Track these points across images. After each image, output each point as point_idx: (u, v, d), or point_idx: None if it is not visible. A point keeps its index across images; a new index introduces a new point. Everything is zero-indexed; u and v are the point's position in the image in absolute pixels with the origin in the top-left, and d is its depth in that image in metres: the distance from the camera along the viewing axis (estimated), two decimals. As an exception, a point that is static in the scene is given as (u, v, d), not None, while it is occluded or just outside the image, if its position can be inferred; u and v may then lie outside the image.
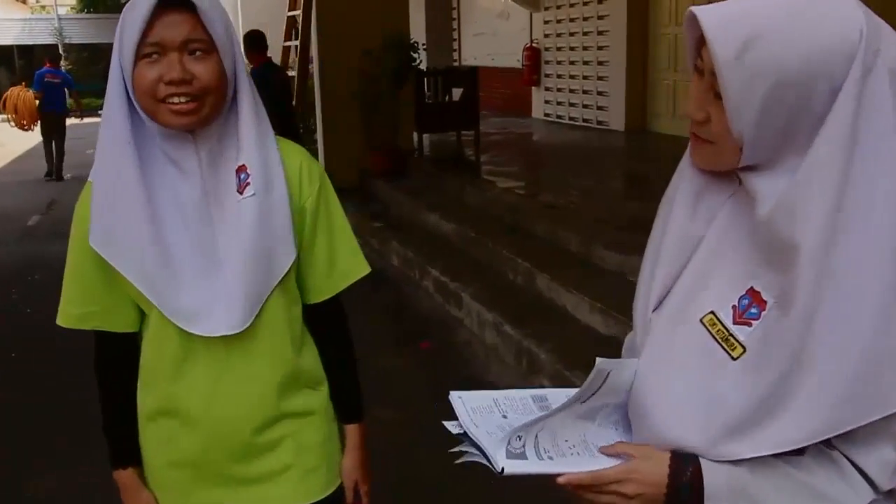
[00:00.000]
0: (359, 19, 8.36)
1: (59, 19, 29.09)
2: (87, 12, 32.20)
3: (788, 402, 1.01)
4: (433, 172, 8.00)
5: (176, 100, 1.36)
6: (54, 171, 12.31)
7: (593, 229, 5.17)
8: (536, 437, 1.14)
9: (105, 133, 1.42)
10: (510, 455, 1.12)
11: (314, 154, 9.33)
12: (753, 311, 1.05)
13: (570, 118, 11.00)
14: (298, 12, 9.51)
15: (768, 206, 1.03)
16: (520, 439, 1.13)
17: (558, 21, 11.11)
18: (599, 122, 10.30)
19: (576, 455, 1.14)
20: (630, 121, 9.70)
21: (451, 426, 1.24)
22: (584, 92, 10.62)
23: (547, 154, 9.17)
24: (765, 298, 1.04)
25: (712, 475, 1.06)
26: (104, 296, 1.50)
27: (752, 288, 1.06)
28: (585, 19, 10.42)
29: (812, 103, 0.99)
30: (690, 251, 1.15)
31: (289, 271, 1.52)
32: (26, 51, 29.68)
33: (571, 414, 1.16)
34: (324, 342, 1.67)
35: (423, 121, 8.88)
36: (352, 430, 1.71)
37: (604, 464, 1.12)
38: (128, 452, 1.61)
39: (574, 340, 4.23)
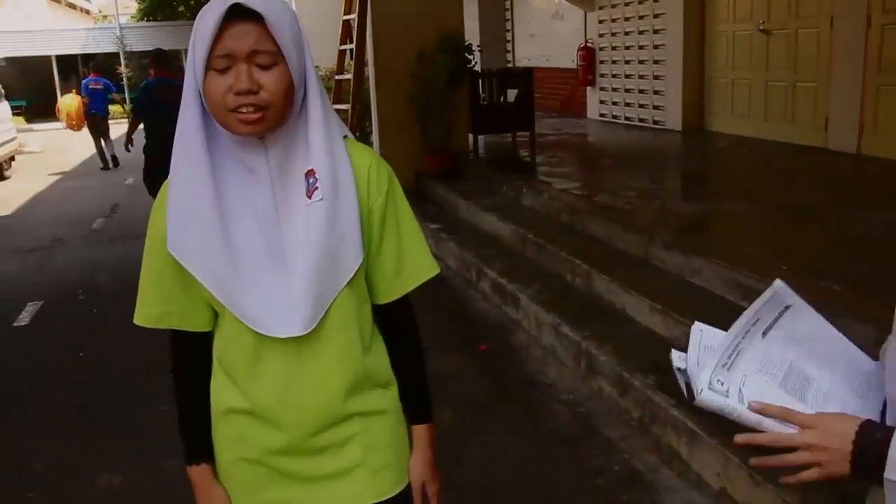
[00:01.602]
0: (413, 22, 8.40)
1: (121, 28, 29.74)
2: (146, 20, 32.93)
3: None
4: (489, 174, 7.99)
5: (245, 109, 1.39)
6: (108, 162, 14.60)
7: (652, 230, 5.12)
8: (743, 383, 1.13)
9: (180, 138, 1.46)
10: (712, 388, 1.12)
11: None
12: None
13: (626, 118, 10.90)
14: (354, 16, 9.56)
15: None
16: (722, 384, 1.13)
17: (613, 20, 11.02)
18: (656, 122, 10.19)
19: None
20: (687, 120, 9.58)
21: (676, 357, 1.24)
22: (640, 91, 10.52)
23: (603, 155, 9.09)
24: None
25: None
26: (180, 296, 1.54)
27: None
28: (641, 18, 10.32)
29: None
30: None
31: (359, 274, 1.54)
32: (90, 59, 30.39)
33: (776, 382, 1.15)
34: (393, 342, 1.69)
35: (478, 122, 8.88)
36: (420, 430, 1.72)
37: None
38: (201, 449, 1.65)
39: (634, 342, 4.19)
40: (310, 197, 1.46)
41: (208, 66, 1.39)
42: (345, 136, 1.57)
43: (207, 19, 1.37)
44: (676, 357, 1.23)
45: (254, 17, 1.38)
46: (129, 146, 8.50)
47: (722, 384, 1.12)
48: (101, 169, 14.47)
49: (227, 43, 1.37)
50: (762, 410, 1.11)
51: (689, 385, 1.17)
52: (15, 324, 6.19)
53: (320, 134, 1.47)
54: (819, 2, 7.53)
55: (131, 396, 4.44)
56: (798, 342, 1.19)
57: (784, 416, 1.11)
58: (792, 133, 8.01)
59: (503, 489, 3.39)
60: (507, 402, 4.23)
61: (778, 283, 1.22)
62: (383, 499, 1.65)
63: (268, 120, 1.41)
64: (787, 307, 1.22)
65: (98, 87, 14.53)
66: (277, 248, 1.47)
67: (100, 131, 14.58)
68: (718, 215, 5.58)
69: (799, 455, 1.08)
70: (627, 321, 4.47)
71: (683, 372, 1.20)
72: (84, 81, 14.89)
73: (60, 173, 14.63)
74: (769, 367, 1.16)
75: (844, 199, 5.55)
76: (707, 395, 1.11)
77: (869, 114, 7.00)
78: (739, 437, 1.11)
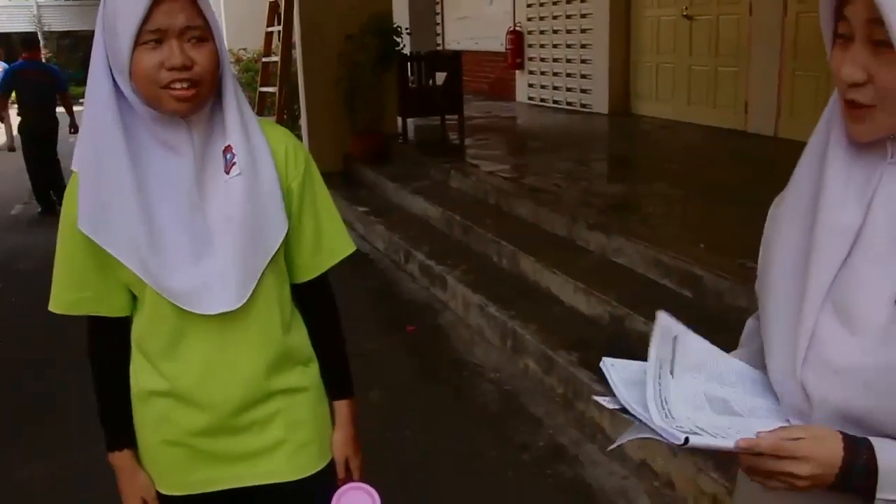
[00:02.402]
0: (342, 4, 8.33)
1: (38, 6, 28.77)
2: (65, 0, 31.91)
3: None
4: (417, 157, 8.00)
5: (178, 85, 1.38)
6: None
7: (576, 211, 5.21)
8: (695, 423, 1.10)
9: (90, 121, 1.44)
10: (683, 431, 1.09)
11: (298, 139, 9.36)
12: None
13: (554, 101, 11.01)
14: (281, -3, 9.48)
15: None
16: (682, 428, 1.09)
17: (541, 4, 11.10)
18: (583, 105, 10.31)
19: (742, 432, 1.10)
20: (613, 104, 9.72)
21: (604, 401, 1.19)
22: (568, 75, 10.63)
23: (531, 137, 9.18)
24: None
25: (888, 454, 1.04)
26: (96, 281, 1.53)
27: None
28: (568, 2, 10.41)
29: None
30: (850, 240, 1.09)
31: (279, 252, 1.56)
32: (3, 38, 29.36)
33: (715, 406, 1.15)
34: (312, 320, 1.72)
35: (406, 105, 8.87)
36: (342, 406, 1.75)
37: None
38: (123, 435, 1.65)
39: (558, 321, 4.28)
40: (228, 172, 1.46)
41: (136, 42, 1.37)
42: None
43: None
44: (606, 402, 1.19)
45: None
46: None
47: (681, 428, 1.10)
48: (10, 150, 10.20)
49: (158, 19, 1.36)
50: (752, 447, 1.07)
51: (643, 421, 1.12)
52: (-70, 312, 6.00)
53: (235, 111, 1.48)
54: (739, -12, 7.72)
55: (54, 385, 4.35)
56: (695, 370, 1.21)
57: (774, 451, 1.07)
58: (714, 116, 8.21)
59: (430, 467, 3.43)
60: (434, 381, 4.28)
61: (661, 315, 1.23)
62: (307, 474, 1.68)
63: (199, 97, 1.42)
64: (674, 338, 1.23)
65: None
66: (201, 225, 1.47)
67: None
68: (641, 196, 5.70)
69: (800, 466, 1.06)
70: (552, 300, 4.55)
71: (625, 411, 1.16)
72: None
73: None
74: (694, 401, 1.16)
75: (761, 179, 5.71)
76: (694, 439, 1.06)
77: (786, 98, 7.21)
78: (742, 442, 1.07)
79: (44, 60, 9.68)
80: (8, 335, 5.28)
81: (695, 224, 4.83)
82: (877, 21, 0.97)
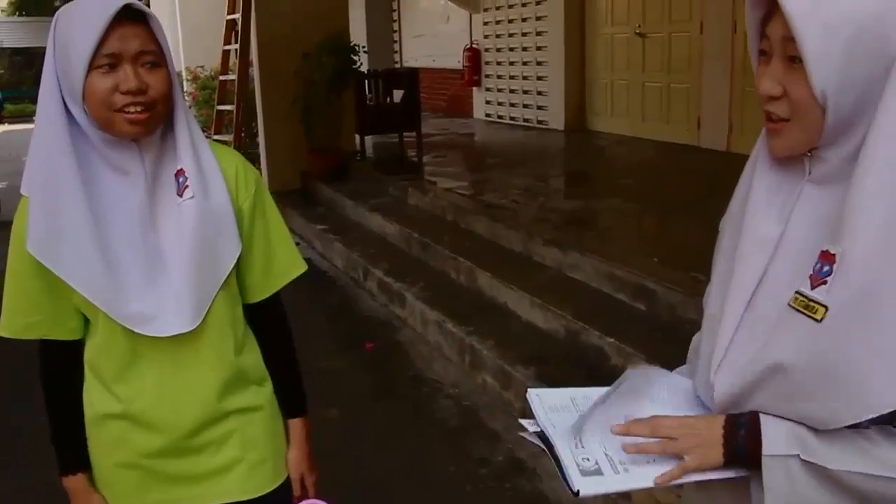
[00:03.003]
0: (298, 22, 8.34)
1: (-8, 23, 28.37)
2: (19, 15, 31.50)
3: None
4: (375, 174, 8.03)
5: (132, 108, 1.40)
6: None
7: (533, 227, 5.27)
8: (605, 448, 1.14)
9: (40, 141, 1.44)
10: (584, 472, 1.11)
11: (256, 157, 9.30)
12: (826, 269, 1.04)
13: (511, 118, 11.11)
14: (238, 16, 9.44)
15: (836, 169, 1.05)
16: (588, 459, 1.12)
17: (497, 22, 11.21)
18: (539, 122, 10.42)
19: (654, 461, 1.14)
20: (569, 120, 9.84)
21: (527, 424, 1.22)
22: (524, 92, 10.73)
23: (488, 154, 9.25)
24: (833, 252, 1.04)
25: (771, 421, 1.09)
26: (47, 305, 1.53)
27: (822, 250, 1.06)
28: (524, 20, 10.53)
29: (889, 51, 1.00)
30: (770, 251, 1.14)
31: (231, 273, 1.57)
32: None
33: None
34: (265, 340, 1.73)
35: (364, 123, 8.89)
36: (296, 424, 1.77)
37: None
38: (76, 458, 1.64)
39: (515, 336, 4.32)
40: (181, 195, 1.48)
41: (91, 66, 1.38)
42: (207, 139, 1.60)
43: (89, 20, 1.36)
44: (527, 424, 1.23)
45: (138, 18, 1.40)
46: None
47: (587, 460, 1.13)
48: None
49: (113, 43, 1.38)
50: (627, 431, 1.15)
51: (557, 459, 1.15)
52: None
53: (186, 135, 1.50)
54: (690, 7, 7.87)
55: (5, 408, 4.28)
56: (638, 395, 1.23)
57: (652, 430, 1.15)
58: (667, 132, 8.35)
59: (389, 483, 3.44)
60: (393, 398, 4.29)
61: (530, 392, 1.27)
62: (263, 492, 1.69)
63: (152, 120, 1.43)
64: (571, 398, 1.26)
65: None
66: (154, 249, 1.48)
67: None
68: (596, 211, 5.78)
69: (671, 444, 1.13)
70: (509, 316, 4.59)
71: (542, 436, 1.19)
72: None
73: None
74: (612, 422, 1.17)
75: (713, 193, 5.79)
76: (585, 486, 1.10)
77: (737, 114, 7.36)
78: (617, 427, 1.15)
79: None
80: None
81: (649, 238, 4.92)
82: (791, 38, 1.02)
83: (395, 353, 4.90)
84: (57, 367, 1.61)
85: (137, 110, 1.40)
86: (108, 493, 1.65)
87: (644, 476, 1.13)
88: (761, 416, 1.10)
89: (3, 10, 32.76)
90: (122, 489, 1.64)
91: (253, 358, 1.69)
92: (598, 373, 3.74)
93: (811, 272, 1.06)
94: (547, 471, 3.44)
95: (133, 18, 1.39)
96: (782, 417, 1.09)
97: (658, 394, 1.26)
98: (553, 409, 1.23)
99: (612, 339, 3.76)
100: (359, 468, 3.52)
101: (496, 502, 3.29)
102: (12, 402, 4.26)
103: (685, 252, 4.34)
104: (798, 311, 1.06)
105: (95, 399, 1.60)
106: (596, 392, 1.26)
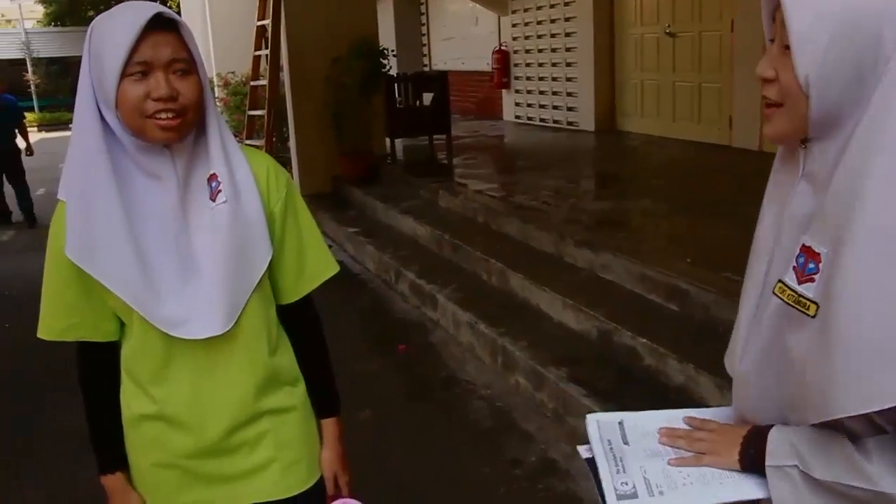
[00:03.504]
0: (328, 27, 8.41)
1: (27, 33, 28.82)
2: (53, 25, 32.00)
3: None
4: (406, 177, 8.06)
5: (163, 115, 1.42)
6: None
7: (564, 228, 5.26)
8: (644, 472, 1.17)
9: (77, 148, 1.47)
10: (620, 496, 1.15)
11: (287, 162, 9.38)
12: (811, 266, 1.05)
13: (541, 120, 11.10)
14: (268, 21, 9.52)
15: (827, 167, 1.05)
16: (626, 484, 1.16)
17: (526, 24, 11.21)
18: (569, 123, 10.40)
19: (689, 485, 1.16)
20: (599, 121, 9.82)
21: (582, 450, 1.27)
22: (554, 93, 10.72)
23: (518, 156, 9.25)
24: (817, 251, 1.05)
25: (779, 432, 1.13)
26: (85, 307, 1.55)
27: (803, 245, 1.07)
28: (552, 21, 10.52)
29: (881, 51, 0.99)
30: (771, 247, 1.17)
31: (264, 275, 1.59)
32: (-3, 67, 29.47)
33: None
34: (298, 341, 1.75)
35: (394, 126, 8.94)
36: (329, 424, 1.78)
37: (720, 496, 1.14)
38: (114, 458, 1.67)
39: (547, 337, 4.31)
40: (214, 200, 1.50)
41: (123, 74, 1.41)
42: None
43: (122, 29, 1.40)
44: (582, 450, 1.27)
45: (169, 27, 1.43)
46: None
47: (626, 484, 1.16)
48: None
49: (145, 51, 1.40)
50: (668, 435, 1.24)
51: (595, 476, 1.20)
52: (-79, 339, 5.99)
53: (218, 139, 1.52)
54: (720, 6, 7.82)
55: (44, 411, 4.35)
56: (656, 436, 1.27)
57: (689, 434, 1.24)
58: (698, 132, 8.30)
59: (422, 485, 3.45)
60: (426, 399, 4.30)
61: (589, 417, 1.30)
62: (297, 492, 1.71)
63: (184, 127, 1.46)
64: (619, 422, 1.29)
65: None
66: (187, 253, 1.50)
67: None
68: (628, 212, 5.76)
69: (699, 444, 1.21)
70: (541, 317, 4.59)
71: (592, 462, 1.23)
72: None
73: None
74: (655, 451, 1.22)
75: (745, 193, 5.76)
76: None
77: (769, 112, 7.29)
78: (663, 430, 1.24)
79: (5, 91, 10.04)
80: (2, 361, 5.29)
81: (681, 238, 4.89)
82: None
83: (428, 355, 4.91)
84: (94, 369, 1.64)
85: (168, 116, 1.42)
86: (145, 493, 1.68)
87: (678, 499, 1.15)
88: (776, 426, 1.14)
89: (39, 22, 33.29)
90: (159, 488, 1.67)
91: (286, 359, 1.71)
92: (631, 373, 3.73)
93: (794, 264, 1.08)
94: (581, 472, 3.44)
95: (164, 27, 1.42)
96: (792, 425, 1.12)
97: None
98: (606, 433, 1.26)
99: (644, 340, 3.75)
100: (391, 469, 3.54)
101: (529, 503, 3.29)
102: (48, 407, 4.34)
103: (718, 252, 4.32)
104: (790, 305, 1.08)
105: (131, 400, 1.63)
106: (645, 417, 1.30)
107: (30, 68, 27.92)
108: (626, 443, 1.23)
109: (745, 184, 6.17)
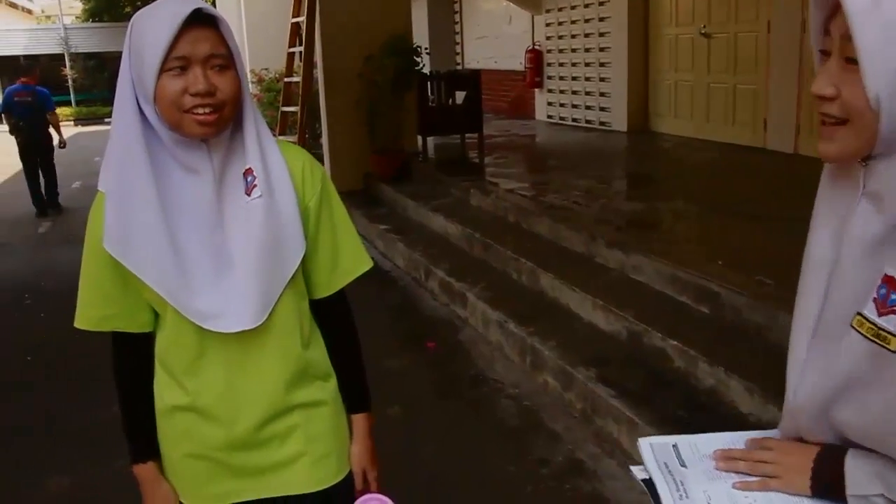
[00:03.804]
0: (362, 24, 8.45)
1: (65, 29, 29.23)
2: (92, 21, 32.43)
3: None
4: (437, 175, 8.07)
5: (201, 110, 1.44)
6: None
7: (595, 229, 5.24)
8: (709, 497, 1.15)
9: (116, 141, 1.50)
10: None
11: (320, 158, 9.43)
12: (894, 297, 0.99)
13: (573, 120, 11.06)
14: (302, 18, 9.58)
15: (893, 185, 0.99)
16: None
17: (559, 23, 11.18)
18: (602, 123, 10.36)
19: None
20: (632, 121, 9.77)
21: (637, 471, 1.25)
22: (587, 93, 10.68)
23: (550, 155, 9.23)
24: None
25: (856, 459, 1.08)
26: (121, 298, 1.58)
27: (885, 274, 1.00)
28: (586, 21, 10.49)
29: None
30: (827, 274, 1.10)
31: (298, 270, 1.60)
32: (32, 60, 29.84)
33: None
34: (330, 335, 1.76)
35: (426, 124, 8.95)
36: (359, 419, 1.79)
37: None
38: (147, 447, 1.69)
39: (577, 337, 4.31)
40: (249, 195, 1.51)
41: (162, 69, 1.42)
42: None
43: (161, 24, 1.41)
44: (637, 471, 1.25)
45: (208, 22, 1.44)
46: None
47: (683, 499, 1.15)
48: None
49: (184, 47, 1.42)
50: (725, 458, 1.19)
51: (657, 501, 1.17)
52: (-40, 328, 6.12)
53: (254, 134, 1.53)
54: (757, 7, 7.75)
55: (79, 399, 4.42)
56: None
57: (748, 456, 1.19)
58: (732, 134, 8.23)
59: (449, 482, 3.46)
60: (454, 397, 4.31)
61: (641, 441, 1.27)
62: (326, 486, 1.72)
63: (221, 122, 1.47)
64: (673, 445, 1.26)
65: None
66: (221, 246, 1.52)
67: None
68: (660, 213, 5.73)
69: (763, 467, 1.16)
70: (571, 317, 4.58)
71: (650, 483, 1.21)
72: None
73: (5, 176, 14.34)
74: (715, 476, 1.19)
75: (779, 196, 5.73)
76: None
77: (805, 115, 7.22)
78: (718, 453, 1.20)
79: (37, 84, 10.48)
80: (36, 350, 5.38)
81: (713, 241, 4.86)
82: (850, 37, 0.97)
83: (457, 353, 4.92)
84: (128, 359, 1.67)
85: (206, 112, 1.44)
86: (176, 483, 1.70)
87: None
88: (850, 452, 1.09)
89: (77, 17, 33.75)
90: (190, 479, 1.69)
91: (318, 353, 1.72)
92: (661, 375, 3.71)
93: (875, 296, 1.01)
94: (608, 472, 3.43)
95: (203, 22, 1.44)
96: (872, 451, 1.08)
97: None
98: (661, 456, 1.24)
99: (674, 342, 3.73)
100: (419, 466, 3.55)
101: (556, 503, 3.29)
102: (81, 395, 4.41)
103: (750, 255, 4.29)
104: (868, 338, 1.02)
105: (164, 391, 1.65)
106: (701, 439, 1.28)
107: (68, 63, 28.32)
108: (683, 465, 1.21)
109: (780, 187, 6.13)
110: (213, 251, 1.51)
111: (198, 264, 1.51)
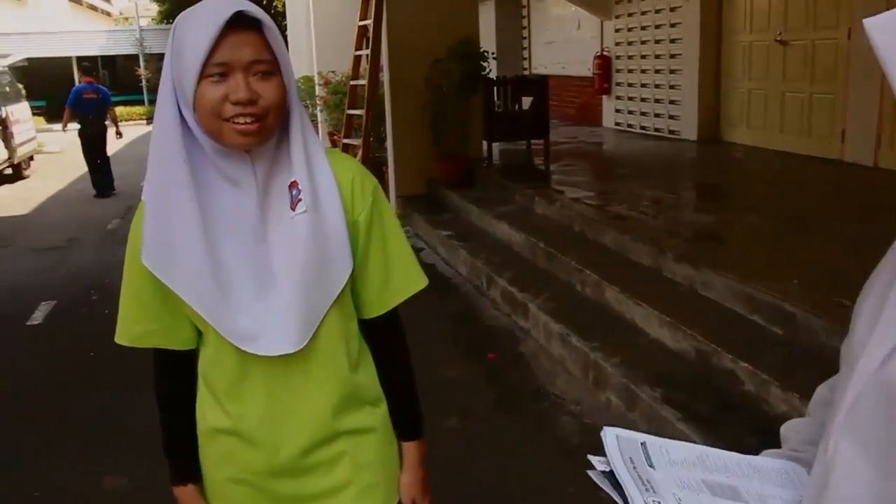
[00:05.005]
0: (428, 29, 8.40)
1: (141, 30, 29.95)
2: (166, 23, 33.17)
3: None
4: (502, 182, 7.98)
5: (241, 119, 1.35)
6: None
7: (663, 241, 5.09)
8: (679, 501, 1.07)
9: (157, 151, 1.42)
10: None
11: (384, 162, 9.44)
12: None
13: (642, 127, 10.86)
14: (369, 21, 9.58)
15: None
16: (658, 502, 1.06)
17: (629, 29, 10.99)
18: (671, 132, 10.15)
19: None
20: (703, 130, 9.53)
21: (596, 461, 1.16)
22: (656, 101, 10.48)
23: (617, 164, 9.07)
24: None
25: None
26: (162, 314, 1.50)
27: None
28: (657, 27, 10.28)
29: None
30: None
31: (345, 288, 1.51)
32: (109, 60, 30.79)
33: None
34: (381, 358, 1.65)
35: (492, 129, 8.87)
36: (410, 447, 1.69)
37: None
38: (187, 469, 1.63)
39: (642, 354, 4.17)
40: (293, 209, 1.42)
41: (202, 75, 1.35)
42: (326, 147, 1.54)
43: (201, 27, 1.33)
44: (596, 462, 1.15)
45: (252, 25, 1.35)
46: (64, 129, 12.84)
47: (658, 503, 1.06)
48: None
49: (224, 52, 1.34)
50: None
51: (621, 491, 1.08)
52: (28, 322, 6.27)
53: (301, 145, 1.44)
54: (837, 13, 7.47)
55: (139, 398, 4.42)
56: (688, 465, 1.14)
57: None
58: (808, 144, 7.95)
59: (506, 499, 3.38)
60: (513, 411, 4.22)
61: (607, 430, 1.17)
62: None
63: (263, 131, 1.38)
64: (642, 443, 1.17)
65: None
66: (264, 263, 1.44)
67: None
68: (731, 227, 5.54)
69: None
70: (636, 333, 4.44)
71: (609, 475, 1.12)
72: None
73: (78, 174, 14.70)
74: (688, 485, 1.10)
75: (860, 212, 5.50)
76: None
77: (886, 126, 6.93)
78: None
79: (98, 82, 12.78)
80: (100, 347, 5.44)
81: (787, 258, 4.65)
82: None
83: (517, 365, 4.82)
84: (169, 377, 1.60)
85: (247, 121, 1.35)
86: None
87: None
88: None
89: (153, 19, 34.59)
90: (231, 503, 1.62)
91: (368, 376, 1.62)
92: (730, 399, 3.56)
93: None
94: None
95: (247, 25, 1.35)
96: None
97: (732, 468, 1.16)
98: (627, 450, 1.15)
99: (745, 364, 3.57)
100: (475, 481, 3.48)
101: (617, 529, 3.17)
102: (144, 392, 4.43)
103: (828, 274, 4.10)
104: None
105: (208, 412, 1.58)
106: (673, 445, 1.18)
107: (142, 63, 29.01)
108: (651, 466, 1.12)
109: (859, 201, 5.89)
110: (256, 269, 1.43)
111: (239, 282, 1.43)
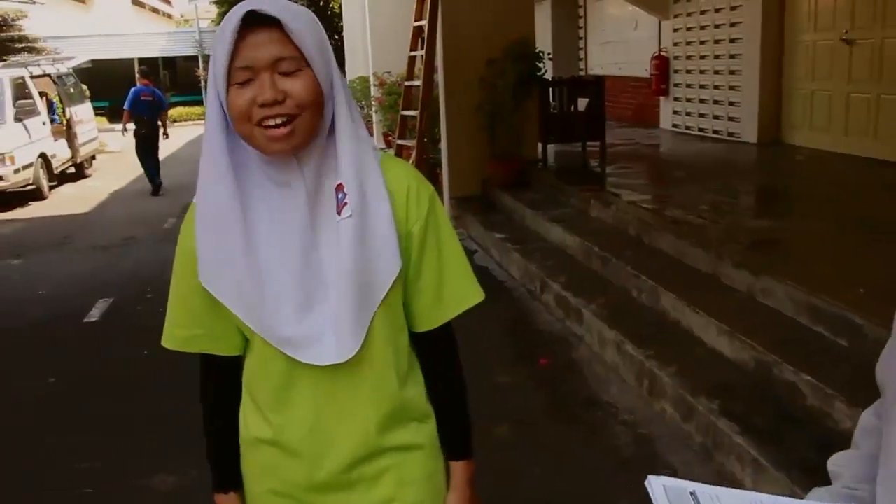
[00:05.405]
0: (484, 29, 8.35)
1: (200, 32, 30.41)
2: (223, 25, 33.76)
3: None
4: (557, 183, 7.88)
5: (271, 122, 1.31)
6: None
7: (722, 247, 4.95)
8: None
9: (205, 159, 1.38)
10: None
11: (438, 163, 9.41)
12: None
13: (700, 129, 10.65)
14: (424, 22, 9.57)
15: None
16: None
17: (688, 29, 10.78)
18: (730, 134, 9.93)
19: None
20: (763, 133, 9.30)
21: None
22: (715, 102, 10.26)
23: (675, 166, 8.89)
24: None
25: None
26: (209, 319, 1.47)
27: None
28: (717, 27, 10.07)
29: None
30: None
31: (395, 299, 1.46)
32: (170, 62, 31.41)
33: None
34: (431, 373, 1.59)
35: (547, 131, 8.77)
36: (458, 467, 1.61)
37: None
38: (229, 477, 1.60)
39: (699, 364, 4.05)
40: (339, 213, 1.37)
41: (230, 81, 1.31)
42: (380, 150, 1.48)
43: (221, 34, 1.30)
44: None
45: (271, 23, 1.30)
46: (124, 132, 13.30)
47: None
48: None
49: (245, 54, 1.29)
50: None
51: None
52: (86, 319, 6.38)
53: (349, 146, 1.38)
54: (907, 11, 7.24)
55: (190, 398, 4.46)
56: None
57: None
58: (875, 148, 7.70)
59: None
60: (566, 419, 4.14)
61: (652, 479, 1.13)
62: None
63: (297, 134, 1.33)
64: (691, 492, 1.12)
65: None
66: (316, 271, 1.39)
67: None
68: (793, 233, 5.38)
69: None
70: (693, 341, 4.32)
71: None
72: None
73: (136, 173, 14.95)
74: None
75: (929, 219, 5.30)
76: None
77: (957, 129, 6.69)
78: None
79: (155, 85, 13.44)
80: (155, 345, 5.49)
81: (853, 266, 4.49)
82: None
83: (570, 372, 4.74)
84: (216, 382, 1.57)
85: (277, 123, 1.30)
86: None
87: None
88: None
89: (212, 21, 35.13)
90: None
91: (416, 392, 1.56)
92: (791, 413, 3.43)
93: None
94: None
95: (265, 23, 1.29)
96: None
97: None
98: (676, 501, 1.10)
99: (807, 377, 3.44)
100: (526, 489, 3.42)
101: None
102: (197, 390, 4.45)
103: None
104: None
105: (250, 421, 1.54)
106: (724, 493, 1.13)
107: (200, 65, 29.45)
108: None
109: (928, 208, 5.67)
110: (305, 276, 1.38)
111: (287, 289, 1.38)
